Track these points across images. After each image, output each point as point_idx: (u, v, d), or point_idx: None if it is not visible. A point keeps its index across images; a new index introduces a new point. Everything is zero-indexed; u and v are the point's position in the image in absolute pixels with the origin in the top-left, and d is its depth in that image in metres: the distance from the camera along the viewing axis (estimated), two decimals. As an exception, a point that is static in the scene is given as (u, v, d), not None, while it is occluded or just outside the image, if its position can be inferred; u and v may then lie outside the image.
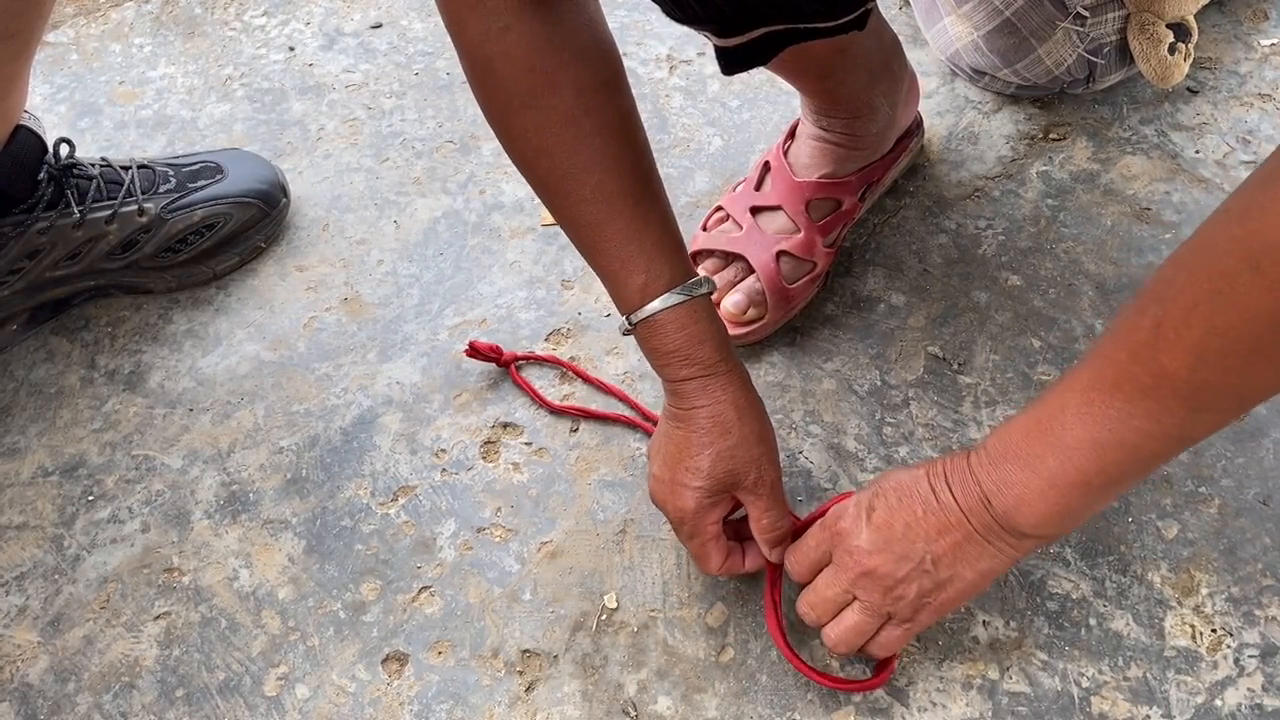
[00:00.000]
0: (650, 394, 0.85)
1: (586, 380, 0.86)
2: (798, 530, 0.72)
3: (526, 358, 0.87)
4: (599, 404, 0.85)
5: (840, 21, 0.61)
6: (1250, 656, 0.72)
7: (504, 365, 0.87)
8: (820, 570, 0.68)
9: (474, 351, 0.85)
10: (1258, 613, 0.73)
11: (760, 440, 0.69)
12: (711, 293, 0.69)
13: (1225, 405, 0.54)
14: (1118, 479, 0.58)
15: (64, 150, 0.88)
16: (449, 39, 0.65)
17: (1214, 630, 0.73)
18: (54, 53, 1.13)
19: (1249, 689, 0.70)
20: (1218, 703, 0.70)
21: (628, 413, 0.84)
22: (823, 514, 0.76)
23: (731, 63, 0.64)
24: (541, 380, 0.87)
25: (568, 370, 0.87)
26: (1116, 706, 0.70)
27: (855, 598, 0.66)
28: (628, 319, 0.68)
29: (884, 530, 0.64)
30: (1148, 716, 0.70)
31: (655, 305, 0.66)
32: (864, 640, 0.67)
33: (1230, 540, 0.76)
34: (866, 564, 0.64)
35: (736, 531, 0.73)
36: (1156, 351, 0.52)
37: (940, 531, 0.62)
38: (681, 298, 0.66)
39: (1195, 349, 0.51)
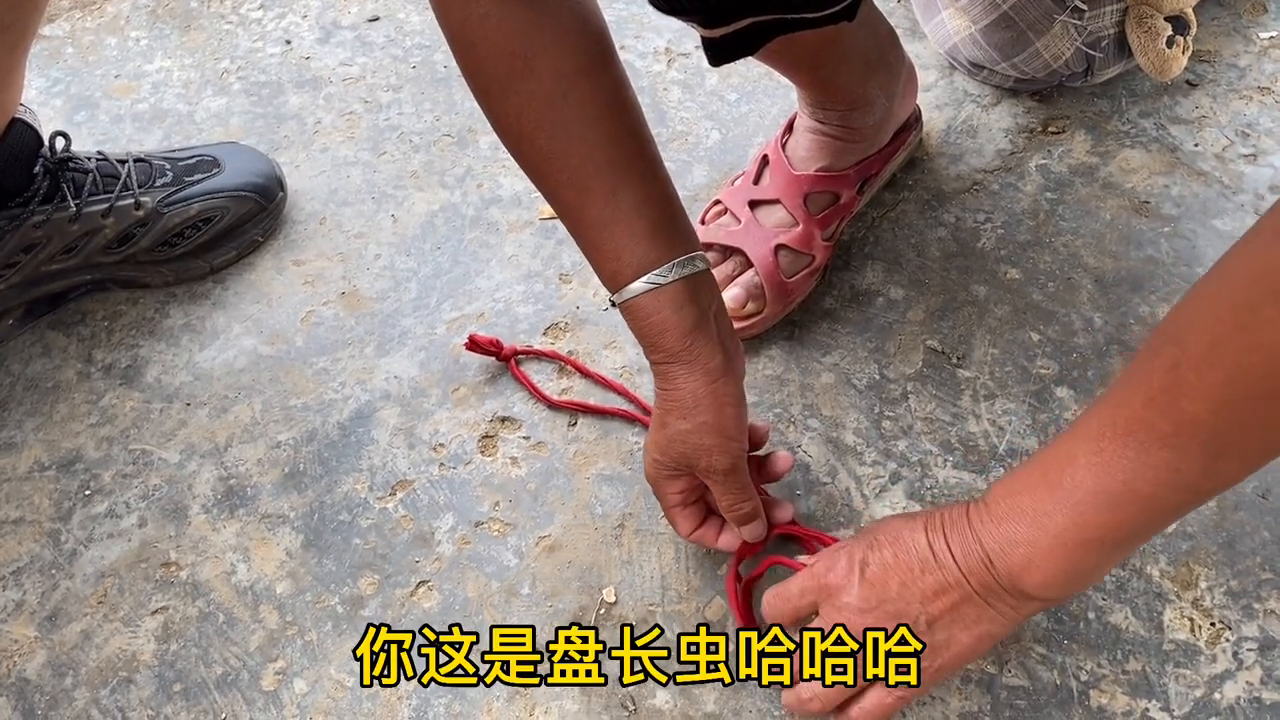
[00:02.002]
0: (648, 387, 0.85)
1: (585, 374, 0.86)
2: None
3: (526, 352, 0.87)
4: (597, 398, 0.85)
5: (828, 12, 0.60)
6: (1249, 650, 0.72)
7: (504, 359, 0.86)
8: (800, 619, 0.65)
9: (474, 345, 0.85)
10: (1256, 606, 0.73)
11: (714, 432, 0.67)
12: (695, 273, 0.66)
13: (1251, 451, 0.49)
14: (1132, 535, 0.54)
15: (60, 144, 0.88)
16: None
17: (1213, 624, 0.73)
18: (50, 46, 1.13)
19: (1248, 682, 0.70)
20: (1216, 696, 0.70)
21: (626, 407, 0.84)
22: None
23: (718, 53, 0.64)
24: (539, 374, 0.87)
25: (566, 364, 0.87)
26: (1115, 700, 0.70)
27: None
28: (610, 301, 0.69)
29: (878, 588, 0.60)
30: (1146, 710, 0.70)
31: (624, 294, 0.66)
32: (842, 699, 0.63)
33: (1229, 534, 0.76)
34: (856, 623, 0.60)
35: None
36: (1175, 395, 0.48)
37: (937, 592, 0.58)
38: (646, 287, 0.65)
39: (1218, 391, 0.47)
